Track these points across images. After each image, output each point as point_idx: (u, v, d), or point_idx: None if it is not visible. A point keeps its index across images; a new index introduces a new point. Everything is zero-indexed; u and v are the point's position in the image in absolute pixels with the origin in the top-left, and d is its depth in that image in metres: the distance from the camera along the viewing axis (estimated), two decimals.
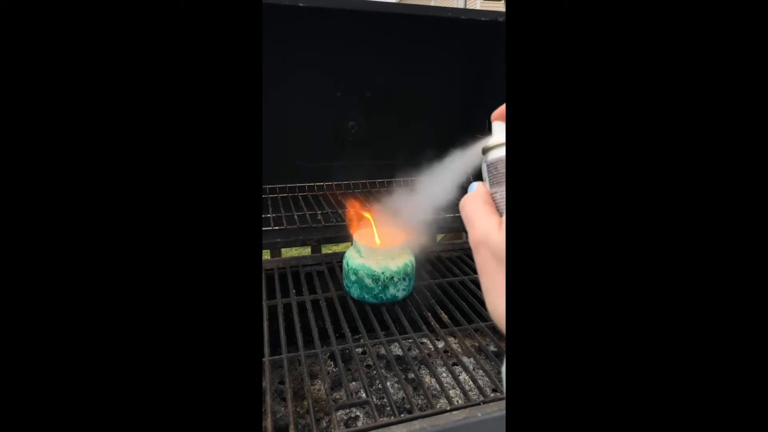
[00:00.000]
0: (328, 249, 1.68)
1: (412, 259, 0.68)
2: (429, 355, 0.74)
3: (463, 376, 0.68)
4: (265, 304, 0.66)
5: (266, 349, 0.56)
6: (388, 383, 0.66)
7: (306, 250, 1.45)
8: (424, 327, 0.63)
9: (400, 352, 0.73)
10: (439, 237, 1.27)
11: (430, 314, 0.66)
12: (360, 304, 0.67)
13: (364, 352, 0.70)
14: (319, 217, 0.82)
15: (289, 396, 0.49)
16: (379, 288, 0.65)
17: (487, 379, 0.56)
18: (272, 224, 0.77)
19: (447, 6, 0.93)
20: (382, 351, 0.72)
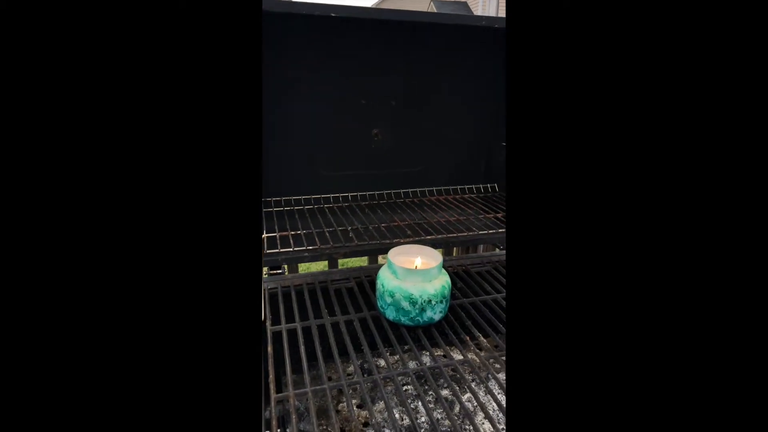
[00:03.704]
0: (344, 264, 1.67)
1: (449, 280, 0.66)
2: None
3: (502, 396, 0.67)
4: (299, 325, 0.64)
5: (306, 378, 0.54)
6: (419, 402, 0.65)
7: (322, 264, 1.41)
8: (461, 347, 0.62)
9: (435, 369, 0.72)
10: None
11: (468, 337, 0.64)
12: (395, 325, 0.66)
13: (401, 374, 0.69)
14: (351, 234, 0.81)
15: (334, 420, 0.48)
16: (417, 311, 0.63)
17: None
18: (304, 242, 0.75)
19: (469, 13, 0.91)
20: (413, 366, 0.71)
